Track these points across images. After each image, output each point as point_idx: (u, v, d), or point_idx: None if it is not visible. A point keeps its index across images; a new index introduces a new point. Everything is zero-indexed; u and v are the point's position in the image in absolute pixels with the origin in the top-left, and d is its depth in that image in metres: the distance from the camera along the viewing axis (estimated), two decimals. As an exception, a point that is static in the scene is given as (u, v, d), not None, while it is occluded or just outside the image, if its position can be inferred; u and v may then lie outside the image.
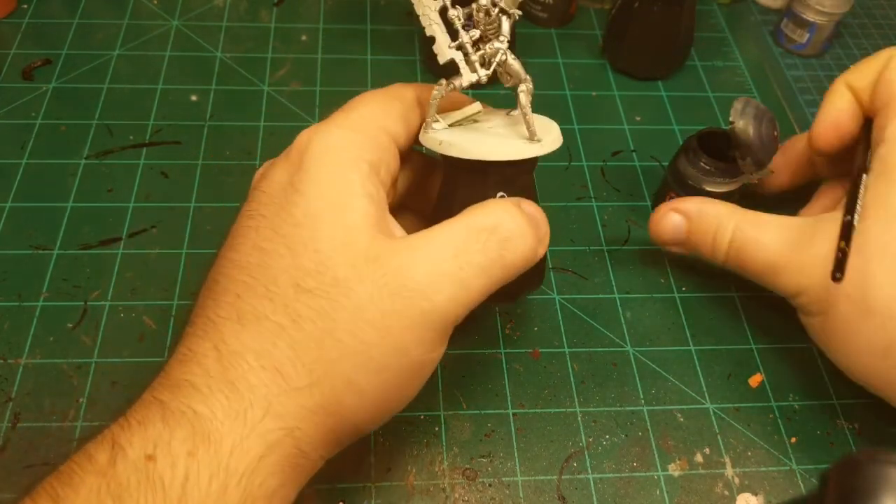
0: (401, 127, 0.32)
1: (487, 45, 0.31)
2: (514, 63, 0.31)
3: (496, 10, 0.31)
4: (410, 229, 0.31)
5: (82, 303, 0.41)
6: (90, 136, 0.49)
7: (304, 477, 0.28)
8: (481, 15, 0.31)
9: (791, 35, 0.59)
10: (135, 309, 0.41)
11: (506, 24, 0.31)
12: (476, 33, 0.31)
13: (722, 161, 0.42)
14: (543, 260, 0.33)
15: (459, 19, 0.31)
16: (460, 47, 0.31)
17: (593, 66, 0.57)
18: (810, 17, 0.57)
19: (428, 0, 0.31)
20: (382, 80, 0.54)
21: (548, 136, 0.32)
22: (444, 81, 0.32)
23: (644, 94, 0.55)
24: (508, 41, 0.31)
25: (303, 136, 0.30)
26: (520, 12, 0.31)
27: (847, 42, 0.62)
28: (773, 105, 0.56)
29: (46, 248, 0.43)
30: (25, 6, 0.56)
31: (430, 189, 0.37)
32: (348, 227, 0.28)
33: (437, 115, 0.33)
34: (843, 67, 0.59)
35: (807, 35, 0.58)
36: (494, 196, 0.32)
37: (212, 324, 0.28)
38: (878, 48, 0.61)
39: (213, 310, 0.28)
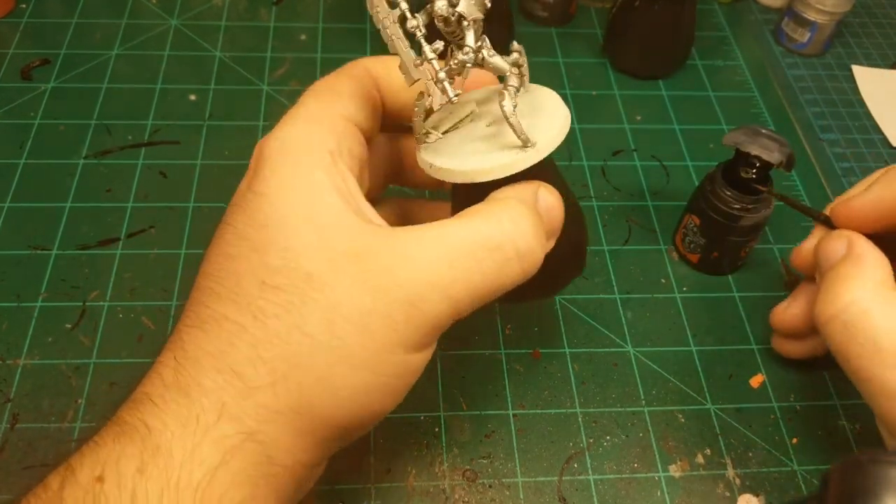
0: (357, 107, 0.30)
1: (453, 60, 0.28)
2: (493, 59, 0.28)
3: (454, 16, 0.27)
4: (392, 216, 0.30)
5: (81, 303, 0.41)
6: (89, 135, 0.48)
7: (283, 488, 0.26)
8: (441, 24, 0.27)
9: (792, 34, 0.59)
10: (133, 309, 0.41)
11: (469, 35, 0.27)
12: (439, 45, 0.27)
13: (745, 191, 0.41)
14: (567, 270, 0.31)
15: (420, 30, 0.27)
16: (425, 63, 0.27)
17: (594, 66, 0.57)
18: (811, 16, 0.57)
19: (383, 7, 0.27)
20: (382, 79, 0.54)
21: (546, 133, 0.28)
22: (422, 94, 0.29)
23: (645, 93, 0.55)
24: (474, 50, 0.27)
25: (258, 146, 0.30)
26: (481, 16, 0.27)
27: (848, 41, 0.62)
28: (775, 104, 0.56)
29: (45, 248, 0.43)
30: (24, 6, 0.56)
31: (417, 169, 0.33)
32: (321, 223, 0.26)
33: (429, 128, 0.30)
34: (843, 67, 0.59)
35: (808, 34, 0.58)
36: None
37: (177, 333, 0.27)
38: (879, 47, 0.61)
39: (182, 321, 0.27)
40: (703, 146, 0.52)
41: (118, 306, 0.41)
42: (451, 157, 0.29)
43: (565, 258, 0.31)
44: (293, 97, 0.51)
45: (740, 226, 0.41)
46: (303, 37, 0.56)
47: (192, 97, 0.51)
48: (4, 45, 0.53)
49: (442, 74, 0.27)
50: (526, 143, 0.27)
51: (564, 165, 0.50)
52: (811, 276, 0.38)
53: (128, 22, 0.56)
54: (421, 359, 0.27)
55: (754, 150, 0.39)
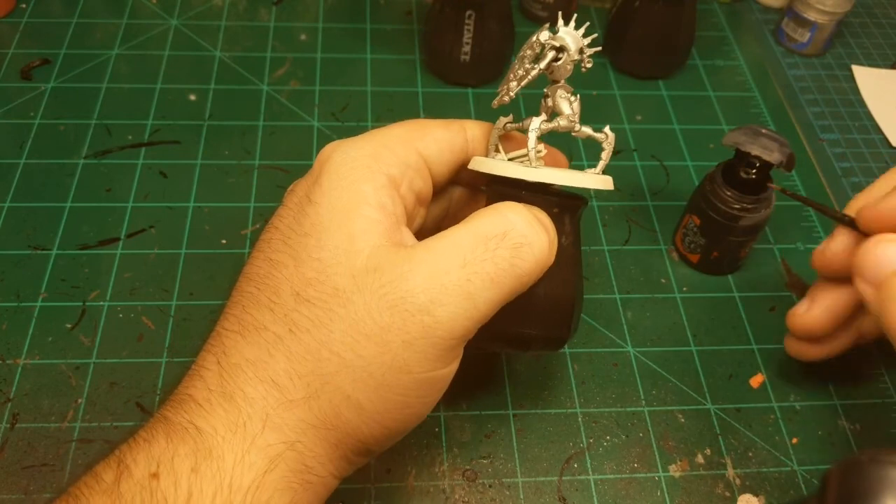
0: (440, 151, 0.31)
1: (553, 123, 0.32)
2: (560, 101, 0.32)
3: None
4: None
5: (81, 303, 0.41)
6: (89, 135, 0.48)
7: (316, 497, 0.27)
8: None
9: (792, 34, 0.59)
10: (133, 309, 0.41)
11: (566, 104, 0.32)
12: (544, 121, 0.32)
13: (745, 191, 0.41)
14: (569, 315, 0.32)
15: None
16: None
17: (594, 66, 0.56)
18: (811, 16, 0.57)
19: (533, 53, 0.31)
20: (382, 79, 0.54)
21: (559, 175, 0.31)
22: (502, 119, 0.33)
23: (645, 93, 0.55)
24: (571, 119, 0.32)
25: (325, 150, 0.30)
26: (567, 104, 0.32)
27: (848, 41, 0.62)
28: (775, 104, 0.55)
29: (45, 248, 0.43)
30: (24, 6, 0.56)
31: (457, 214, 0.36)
32: (351, 236, 0.27)
33: (501, 148, 0.34)
34: (843, 67, 0.59)
35: (808, 34, 0.58)
36: None
37: (218, 336, 0.28)
38: (879, 47, 0.61)
39: (221, 323, 0.28)
40: (703, 146, 0.52)
41: (118, 306, 0.41)
42: (486, 162, 0.32)
43: (570, 296, 0.33)
44: (293, 97, 0.52)
45: (740, 226, 0.41)
46: (303, 37, 0.56)
47: (192, 97, 0.51)
48: (4, 44, 0.53)
49: (533, 146, 0.31)
50: (532, 161, 0.30)
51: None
52: (830, 278, 0.37)
53: (128, 22, 0.56)
54: (442, 376, 0.27)
55: (754, 151, 0.39)
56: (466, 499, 0.36)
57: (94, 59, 0.53)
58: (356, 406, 0.26)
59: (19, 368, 0.38)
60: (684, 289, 0.44)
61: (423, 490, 0.36)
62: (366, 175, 0.28)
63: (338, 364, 0.26)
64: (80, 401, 0.37)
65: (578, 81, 0.55)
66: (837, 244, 0.36)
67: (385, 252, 0.27)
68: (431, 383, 0.27)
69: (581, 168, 0.33)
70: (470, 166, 0.32)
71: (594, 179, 0.31)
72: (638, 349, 0.41)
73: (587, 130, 0.32)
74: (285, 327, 0.26)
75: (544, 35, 0.31)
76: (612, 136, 0.33)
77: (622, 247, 0.46)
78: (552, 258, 0.30)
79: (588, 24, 0.31)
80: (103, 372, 0.38)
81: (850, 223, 0.35)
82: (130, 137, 0.49)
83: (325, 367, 0.26)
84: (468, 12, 0.49)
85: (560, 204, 0.31)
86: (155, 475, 0.24)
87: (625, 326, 0.42)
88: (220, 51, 0.55)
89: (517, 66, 0.32)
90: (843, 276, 0.35)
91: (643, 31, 0.53)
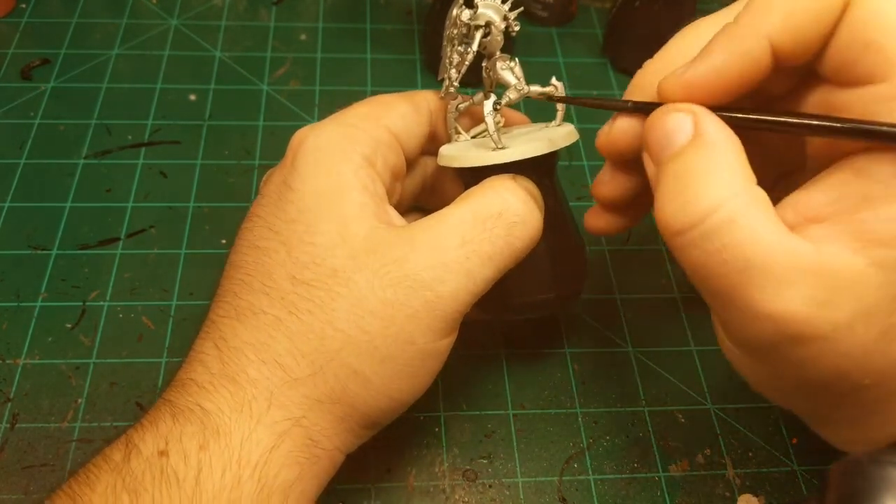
0: (408, 125, 0.32)
1: (504, 99, 0.32)
2: (503, 73, 0.32)
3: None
4: None
5: (81, 303, 0.41)
6: (89, 135, 0.48)
7: (324, 472, 0.28)
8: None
9: (792, 34, 0.59)
10: (133, 309, 0.41)
11: (508, 74, 0.32)
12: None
13: None
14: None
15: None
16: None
17: (594, 66, 0.57)
18: (811, 15, 0.57)
19: (457, 32, 0.32)
20: (382, 79, 0.54)
21: (525, 146, 0.31)
22: (453, 102, 0.33)
23: (644, 93, 0.55)
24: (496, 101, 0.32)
25: (296, 136, 0.31)
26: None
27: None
28: (774, 104, 0.56)
29: (45, 248, 0.43)
30: (24, 5, 0.56)
31: (446, 192, 0.37)
32: (344, 219, 0.28)
33: (461, 129, 0.34)
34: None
35: (808, 34, 0.58)
36: None
37: (212, 323, 0.28)
38: (879, 47, 0.61)
39: (214, 310, 0.29)
40: (703, 146, 0.52)
41: (118, 306, 0.41)
42: (448, 151, 0.32)
43: (577, 253, 0.34)
44: (293, 97, 0.52)
45: None
46: (303, 37, 0.56)
47: (192, 97, 0.51)
48: (4, 44, 0.53)
49: (494, 129, 0.31)
50: (497, 144, 0.31)
51: (564, 165, 0.50)
52: (620, 161, 0.31)
53: (128, 22, 0.56)
54: (444, 346, 0.29)
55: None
56: (466, 499, 0.36)
57: (94, 59, 0.53)
58: (363, 379, 0.27)
59: (19, 368, 0.38)
60: (684, 289, 0.44)
61: (423, 490, 0.36)
62: (342, 158, 0.29)
63: (342, 340, 0.27)
64: (80, 401, 0.37)
65: (579, 82, 0.55)
66: (625, 121, 0.30)
67: (383, 233, 0.28)
68: (434, 354, 0.28)
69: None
70: (440, 162, 0.33)
71: (560, 137, 0.32)
72: (638, 349, 0.41)
73: (536, 88, 0.33)
74: (284, 310, 0.27)
75: (466, 15, 0.31)
76: (560, 85, 0.33)
77: (622, 247, 0.46)
78: (541, 230, 0.31)
79: None
80: (103, 372, 0.38)
81: (644, 108, 0.29)
82: (130, 137, 0.49)
83: (330, 345, 0.27)
84: (468, 12, 0.49)
85: (537, 170, 0.32)
86: (163, 453, 0.24)
87: (625, 326, 0.42)
88: (220, 51, 0.55)
89: (449, 50, 0.32)
90: (630, 158, 0.30)
91: (643, 31, 0.53)
